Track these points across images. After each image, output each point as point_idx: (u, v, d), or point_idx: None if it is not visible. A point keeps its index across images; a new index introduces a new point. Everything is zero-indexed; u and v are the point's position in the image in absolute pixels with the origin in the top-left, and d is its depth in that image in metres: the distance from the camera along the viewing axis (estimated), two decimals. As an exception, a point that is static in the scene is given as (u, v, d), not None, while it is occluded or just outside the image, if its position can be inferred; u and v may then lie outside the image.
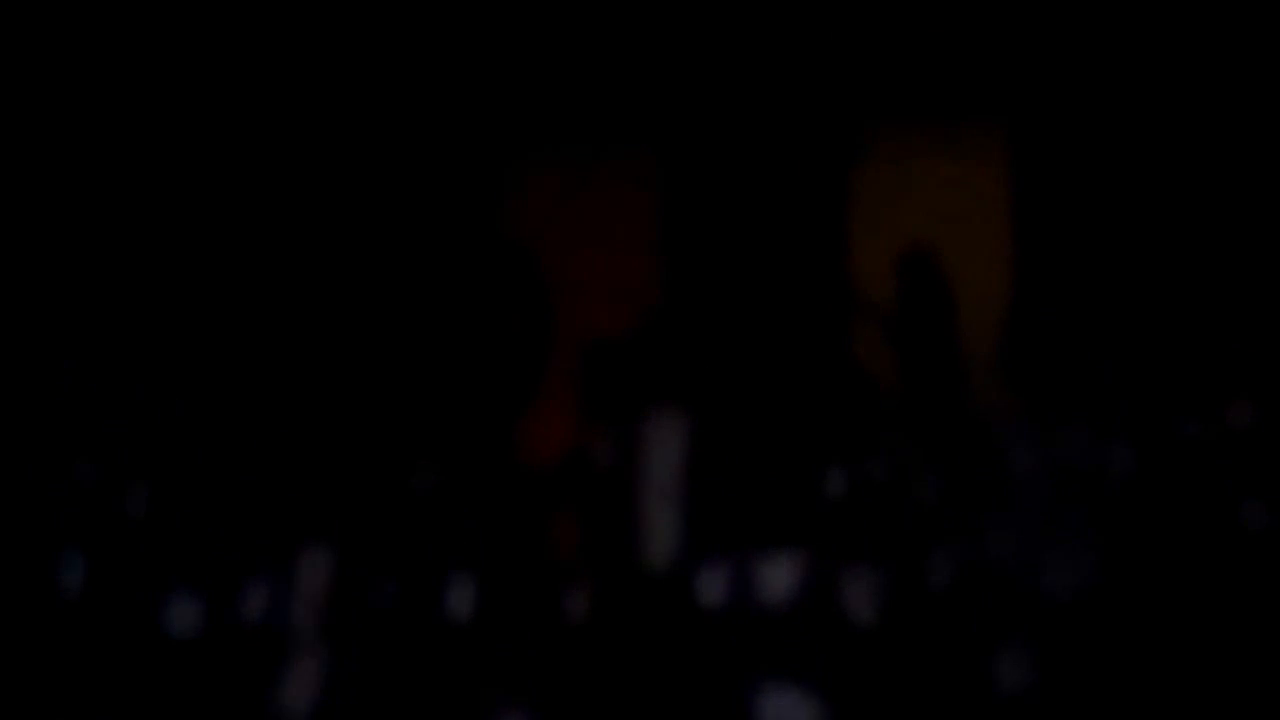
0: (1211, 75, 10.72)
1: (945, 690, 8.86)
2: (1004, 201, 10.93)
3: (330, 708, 8.75)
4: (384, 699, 8.80)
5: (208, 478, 9.45)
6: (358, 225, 10.97)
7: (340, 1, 10.96)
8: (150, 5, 10.89)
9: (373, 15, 10.98)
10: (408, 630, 8.88)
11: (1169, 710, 9.04)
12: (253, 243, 10.94)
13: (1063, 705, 8.85)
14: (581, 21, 11.05)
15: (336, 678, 8.78)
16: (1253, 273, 10.60)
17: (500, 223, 11.17)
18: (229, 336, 10.85)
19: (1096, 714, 8.92)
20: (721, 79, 10.85)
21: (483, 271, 10.99)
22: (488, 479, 9.40)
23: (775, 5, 10.89)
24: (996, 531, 8.98)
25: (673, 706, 8.63)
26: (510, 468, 9.82)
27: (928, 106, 11.00)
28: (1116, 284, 10.67)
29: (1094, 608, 9.06)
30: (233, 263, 10.92)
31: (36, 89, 10.91)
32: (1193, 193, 10.69)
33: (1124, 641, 9.10)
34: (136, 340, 10.83)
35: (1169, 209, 10.70)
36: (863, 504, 9.10)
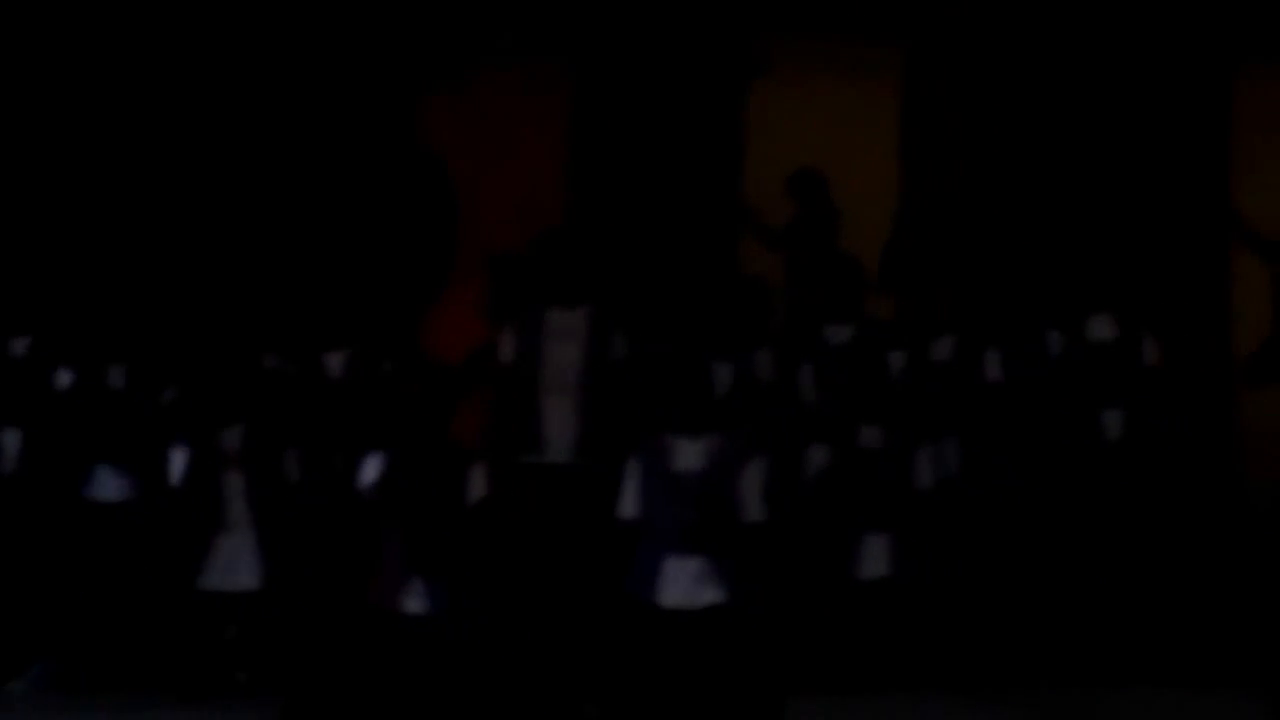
0: (1096, 14, 10.97)
1: (809, 574, 9.32)
2: (895, 119, 11.15)
3: (243, 574, 8.99)
4: (294, 567, 9.05)
5: (132, 357, 9.57)
6: (274, 133, 10.98)
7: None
8: None
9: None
10: (317, 504, 9.12)
11: (1021, 602, 9.52)
12: (174, 140, 10.94)
13: (920, 593, 9.32)
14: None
15: (251, 549, 8.99)
16: (1119, 195, 10.86)
17: (411, 132, 11.24)
18: (153, 224, 10.91)
19: (953, 602, 9.40)
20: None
21: (393, 175, 11.16)
22: (396, 366, 9.60)
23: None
24: (869, 427, 9.37)
25: (563, 582, 9.02)
26: (417, 357, 10.01)
27: (827, 25, 11.18)
28: (995, 205, 10.92)
29: (956, 502, 9.49)
30: (155, 158, 10.93)
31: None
32: (1069, 122, 10.92)
33: (983, 535, 9.56)
34: (66, 229, 10.90)
35: (1047, 136, 10.91)
36: (747, 398, 9.46)
